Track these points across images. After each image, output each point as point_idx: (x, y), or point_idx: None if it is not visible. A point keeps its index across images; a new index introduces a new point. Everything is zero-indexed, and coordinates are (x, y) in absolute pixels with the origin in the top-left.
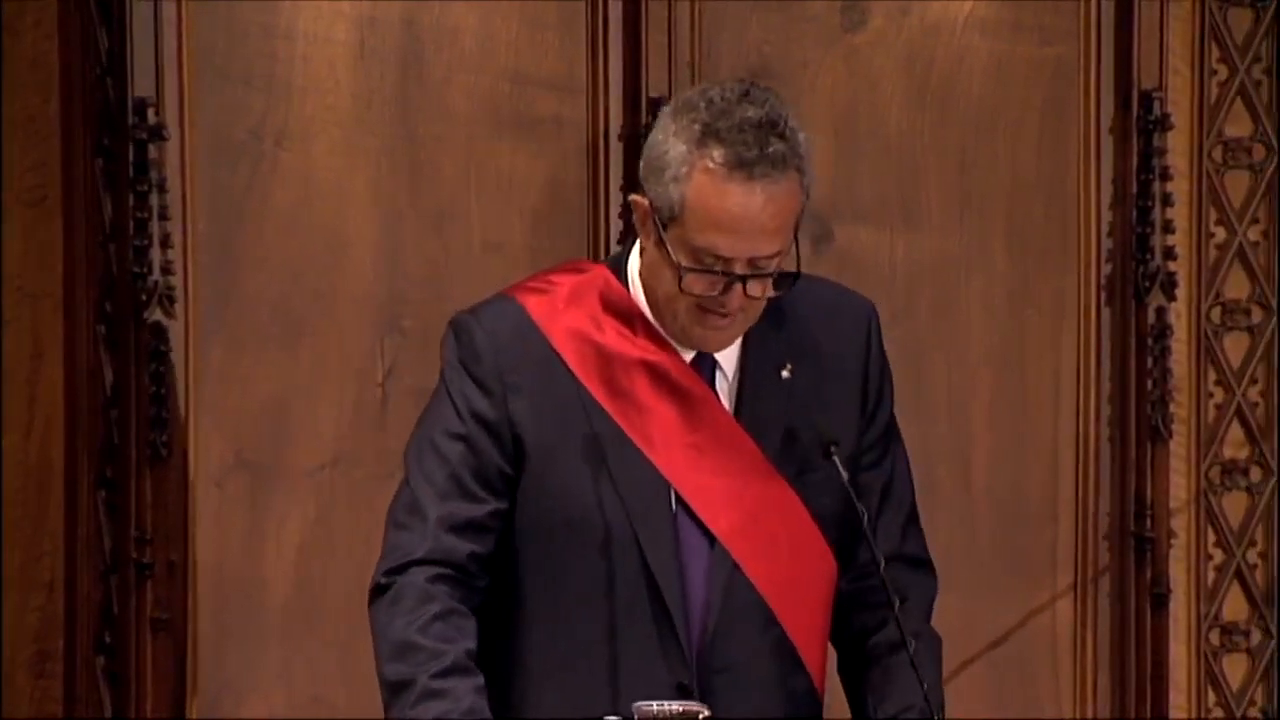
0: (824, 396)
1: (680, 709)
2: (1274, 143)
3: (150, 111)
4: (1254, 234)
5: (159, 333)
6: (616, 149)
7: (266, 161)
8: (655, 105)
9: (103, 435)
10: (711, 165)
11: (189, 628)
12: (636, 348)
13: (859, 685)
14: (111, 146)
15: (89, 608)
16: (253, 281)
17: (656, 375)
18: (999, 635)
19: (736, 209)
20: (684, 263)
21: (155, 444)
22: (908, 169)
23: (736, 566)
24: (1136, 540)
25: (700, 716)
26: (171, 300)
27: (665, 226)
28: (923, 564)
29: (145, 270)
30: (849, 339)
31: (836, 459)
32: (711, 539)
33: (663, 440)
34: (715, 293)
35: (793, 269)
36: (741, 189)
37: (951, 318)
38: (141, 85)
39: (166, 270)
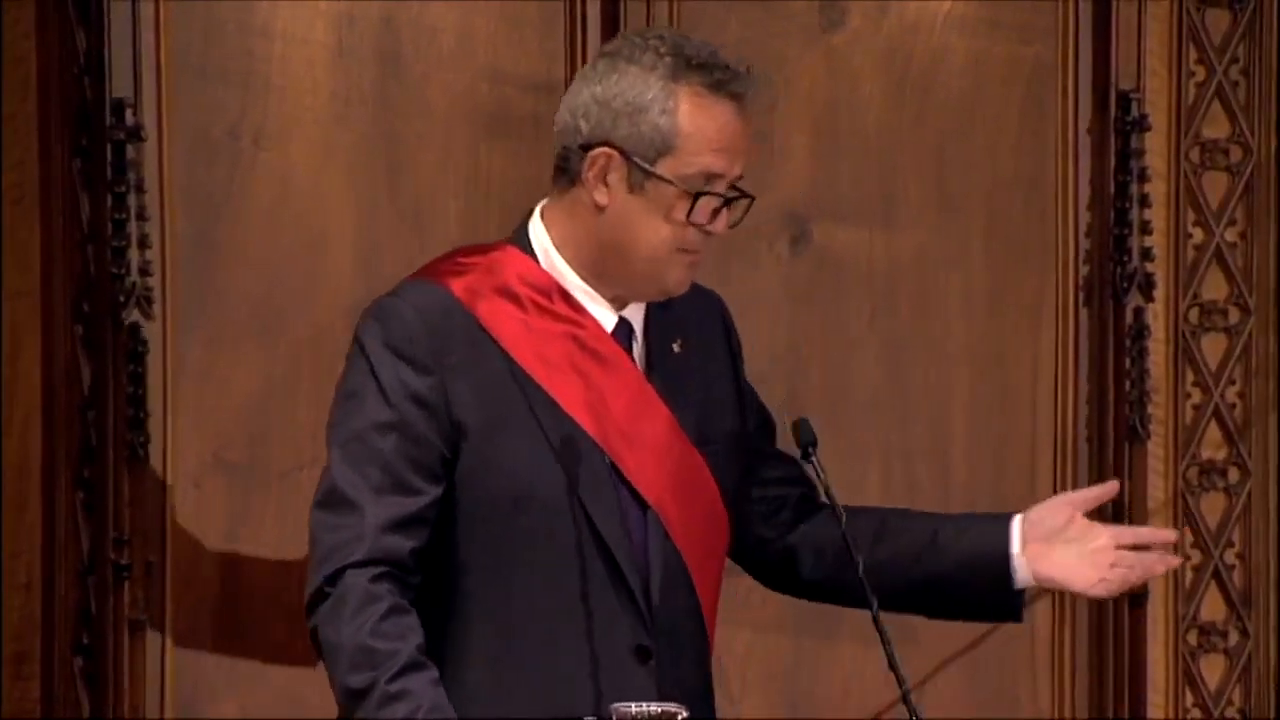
0: (707, 372)
1: (659, 710)
2: (1251, 144)
3: (128, 111)
4: (1231, 235)
5: (136, 333)
6: None
7: (245, 161)
8: None
9: (80, 436)
10: (699, 90)
11: (166, 628)
12: (559, 320)
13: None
14: (89, 146)
15: (66, 608)
16: (231, 281)
17: (581, 345)
18: (977, 636)
19: (729, 126)
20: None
21: (133, 444)
22: (886, 168)
23: (666, 533)
24: None
25: (679, 718)
26: (149, 301)
27: (652, 164)
28: None
29: (123, 271)
30: (711, 323)
31: (817, 461)
32: (643, 505)
33: (593, 409)
34: (709, 219)
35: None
36: (731, 107)
37: (930, 317)
38: (119, 85)
39: (144, 271)
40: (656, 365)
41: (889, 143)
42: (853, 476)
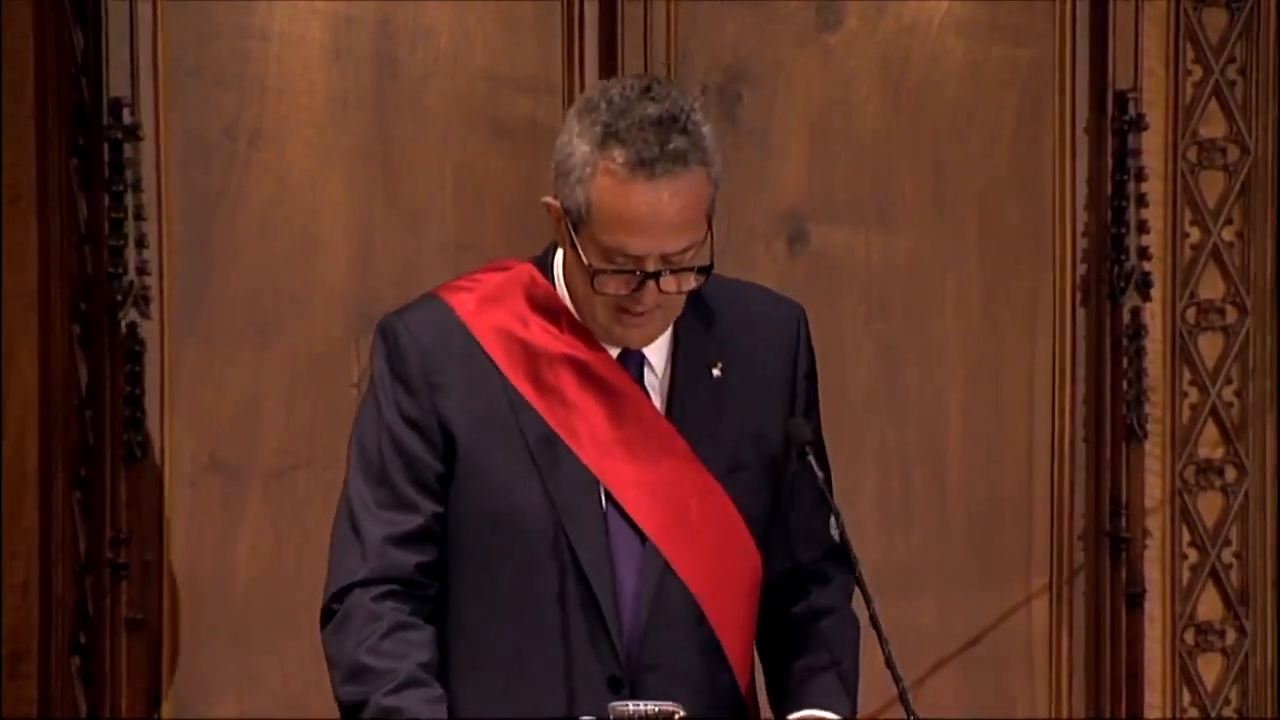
0: (752, 396)
1: (655, 709)
2: (1248, 143)
3: (125, 111)
4: (1228, 234)
5: (134, 333)
6: None
7: (240, 162)
8: None
9: (77, 436)
10: (613, 166)
11: (163, 628)
12: (562, 344)
13: (778, 648)
14: (86, 146)
15: (63, 608)
16: (227, 282)
17: (583, 371)
18: (974, 635)
19: (641, 207)
20: (595, 264)
21: (130, 444)
22: (882, 169)
23: (667, 564)
24: (1112, 540)
25: (676, 716)
26: (146, 300)
27: (575, 229)
28: (845, 559)
29: (120, 270)
30: (777, 342)
31: (813, 460)
32: (642, 536)
33: (590, 437)
34: (627, 291)
35: (707, 261)
36: (644, 187)
37: (926, 318)
38: (116, 85)
39: (141, 270)
40: (681, 391)
41: (885, 144)
42: (849, 478)
